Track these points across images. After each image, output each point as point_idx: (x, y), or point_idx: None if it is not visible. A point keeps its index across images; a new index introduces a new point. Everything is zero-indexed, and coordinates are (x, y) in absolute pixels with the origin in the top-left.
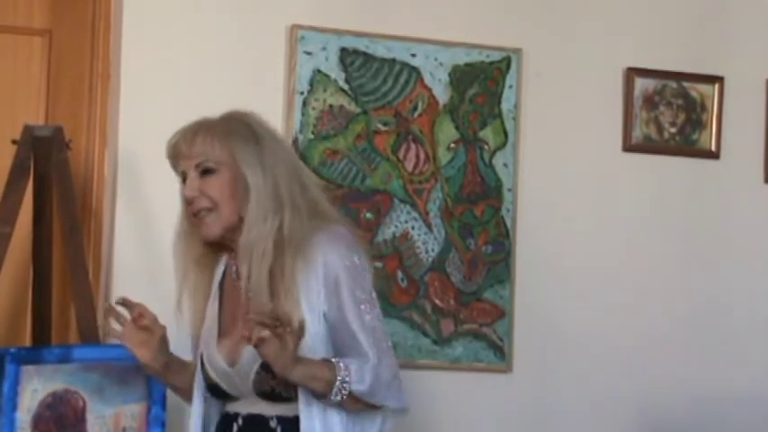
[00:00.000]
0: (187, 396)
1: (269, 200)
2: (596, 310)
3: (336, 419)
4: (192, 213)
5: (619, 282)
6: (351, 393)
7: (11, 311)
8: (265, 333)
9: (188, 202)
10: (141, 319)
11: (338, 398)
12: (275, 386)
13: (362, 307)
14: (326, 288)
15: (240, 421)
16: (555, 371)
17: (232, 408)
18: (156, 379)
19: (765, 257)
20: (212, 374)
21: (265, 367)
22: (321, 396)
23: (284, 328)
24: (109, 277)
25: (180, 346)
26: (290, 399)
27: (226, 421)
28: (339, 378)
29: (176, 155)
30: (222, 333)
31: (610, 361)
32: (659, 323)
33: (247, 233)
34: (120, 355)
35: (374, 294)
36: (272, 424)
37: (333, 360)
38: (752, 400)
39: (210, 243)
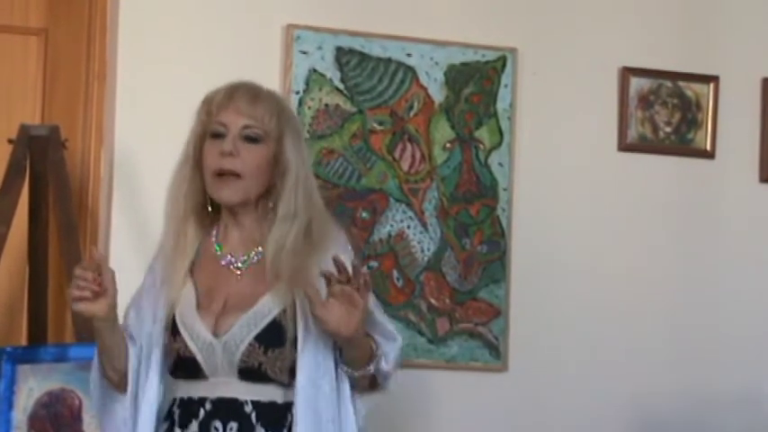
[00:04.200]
0: (115, 363)
1: (304, 194)
2: (591, 308)
3: (326, 403)
4: (217, 171)
5: (614, 281)
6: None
7: (7, 310)
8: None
9: (222, 155)
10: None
11: (370, 370)
12: (264, 362)
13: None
14: None
15: (208, 406)
16: (550, 370)
17: (196, 392)
18: (102, 338)
19: (760, 256)
20: (191, 345)
21: (260, 339)
22: (357, 366)
23: (353, 284)
24: None
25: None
26: (273, 379)
27: (187, 407)
28: (379, 352)
29: (228, 107)
30: (200, 305)
31: (605, 360)
32: (655, 322)
33: (281, 225)
34: None
35: None
36: (247, 409)
37: (372, 335)
38: (748, 400)
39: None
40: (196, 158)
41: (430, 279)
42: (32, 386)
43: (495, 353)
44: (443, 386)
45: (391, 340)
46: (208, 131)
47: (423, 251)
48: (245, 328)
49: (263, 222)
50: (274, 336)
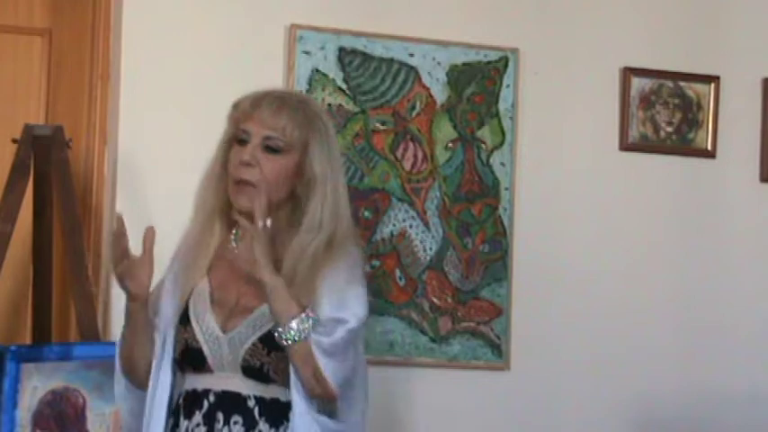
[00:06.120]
0: (147, 350)
1: (331, 206)
2: (593, 307)
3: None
4: (236, 179)
5: (615, 280)
6: (306, 341)
7: (11, 309)
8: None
9: (241, 164)
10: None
11: (298, 336)
12: (267, 363)
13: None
14: (330, 297)
15: (212, 398)
16: (552, 369)
17: (201, 384)
18: (136, 320)
19: (761, 256)
20: (199, 337)
21: (263, 340)
22: (278, 325)
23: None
24: (108, 276)
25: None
26: (274, 381)
27: (192, 399)
28: (305, 314)
29: (252, 116)
30: (213, 299)
31: (607, 359)
32: (656, 320)
33: (304, 236)
34: None
35: (362, 334)
36: (250, 403)
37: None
38: (751, 399)
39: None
40: (224, 161)
41: (432, 278)
42: (36, 384)
43: (498, 352)
44: (445, 385)
45: (341, 321)
46: (234, 137)
47: (425, 250)
48: (250, 328)
49: (282, 229)
50: None
